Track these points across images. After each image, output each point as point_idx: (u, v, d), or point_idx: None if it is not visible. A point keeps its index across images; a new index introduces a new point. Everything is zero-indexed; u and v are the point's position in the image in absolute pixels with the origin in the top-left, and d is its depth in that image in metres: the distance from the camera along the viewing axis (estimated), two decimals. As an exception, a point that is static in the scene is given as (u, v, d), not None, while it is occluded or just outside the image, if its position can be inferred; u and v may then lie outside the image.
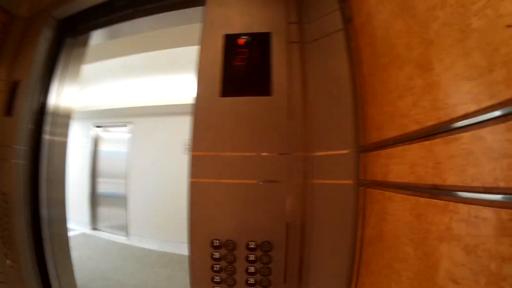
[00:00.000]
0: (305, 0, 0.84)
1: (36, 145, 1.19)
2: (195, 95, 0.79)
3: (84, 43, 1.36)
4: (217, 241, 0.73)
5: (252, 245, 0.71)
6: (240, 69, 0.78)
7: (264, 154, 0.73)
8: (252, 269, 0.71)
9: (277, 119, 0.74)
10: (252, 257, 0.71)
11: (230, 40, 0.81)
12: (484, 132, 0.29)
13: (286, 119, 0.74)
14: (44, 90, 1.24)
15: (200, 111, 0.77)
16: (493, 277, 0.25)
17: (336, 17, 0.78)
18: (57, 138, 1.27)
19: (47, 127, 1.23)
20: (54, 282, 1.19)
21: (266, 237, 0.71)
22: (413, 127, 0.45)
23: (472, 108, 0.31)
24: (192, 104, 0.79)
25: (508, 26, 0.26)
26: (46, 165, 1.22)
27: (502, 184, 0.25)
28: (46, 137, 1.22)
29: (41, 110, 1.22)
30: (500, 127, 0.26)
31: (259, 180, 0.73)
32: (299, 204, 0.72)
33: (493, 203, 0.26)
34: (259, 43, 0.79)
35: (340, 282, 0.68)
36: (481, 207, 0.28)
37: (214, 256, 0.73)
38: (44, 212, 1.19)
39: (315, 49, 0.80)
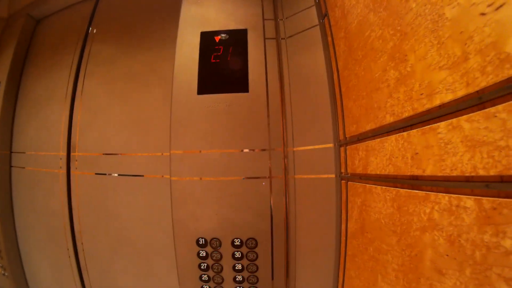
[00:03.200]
0: (280, -4, 0.84)
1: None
2: (172, 93, 0.76)
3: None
4: (202, 239, 0.72)
5: (237, 242, 0.71)
6: (217, 66, 0.77)
7: (246, 150, 0.72)
8: (239, 266, 0.72)
9: (256, 115, 0.73)
10: (238, 254, 0.71)
11: (207, 38, 0.79)
12: (461, 120, 0.29)
13: (265, 115, 0.73)
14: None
15: (177, 109, 0.75)
16: (478, 266, 0.25)
17: (312, 13, 0.78)
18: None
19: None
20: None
21: (250, 234, 0.71)
22: (389, 119, 0.45)
23: (448, 97, 0.31)
24: (170, 102, 0.76)
25: (482, 14, 0.26)
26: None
27: (482, 172, 0.25)
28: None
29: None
30: (477, 115, 0.26)
31: (241, 177, 0.72)
32: (282, 200, 0.72)
33: (474, 191, 0.26)
34: (236, 40, 0.78)
35: (327, 277, 0.68)
36: (462, 196, 0.28)
37: (200, 255, 0.73)
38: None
39: (292, 45, 0.79)
